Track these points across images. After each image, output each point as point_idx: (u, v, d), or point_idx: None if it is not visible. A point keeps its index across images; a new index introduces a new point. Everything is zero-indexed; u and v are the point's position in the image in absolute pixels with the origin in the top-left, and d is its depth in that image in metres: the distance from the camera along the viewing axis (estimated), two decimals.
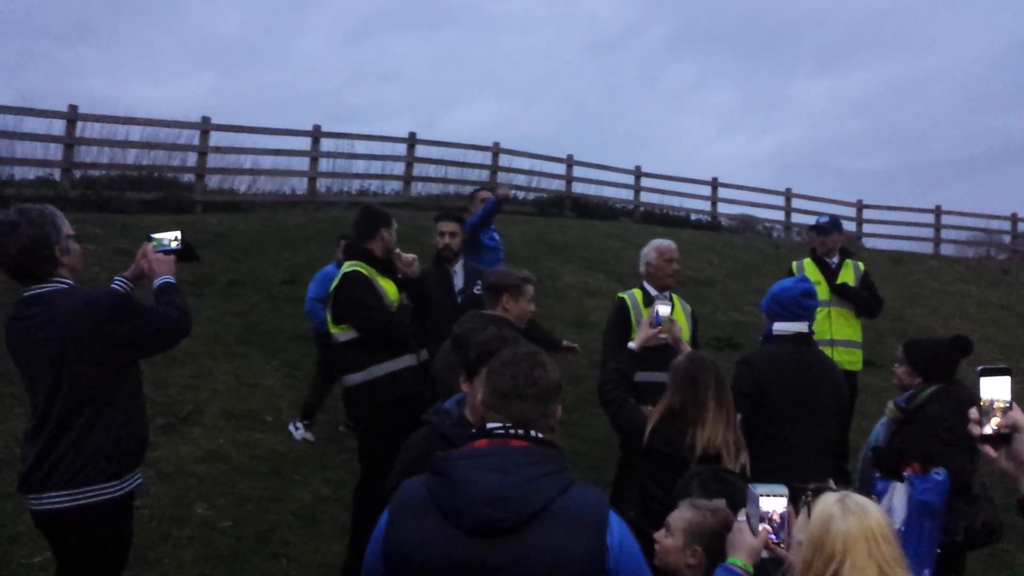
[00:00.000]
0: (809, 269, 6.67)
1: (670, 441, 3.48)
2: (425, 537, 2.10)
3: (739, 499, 3.25)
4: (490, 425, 2.25)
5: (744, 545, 2.55)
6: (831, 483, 2.17)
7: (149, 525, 5.18)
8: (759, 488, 2.65)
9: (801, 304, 4.24)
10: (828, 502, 2.06)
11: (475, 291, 5.40)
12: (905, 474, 4.20)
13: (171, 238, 3.62)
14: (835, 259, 6.73)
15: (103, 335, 3.13)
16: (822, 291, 6.36)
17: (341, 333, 4.73)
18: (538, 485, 2.11)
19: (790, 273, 6.55)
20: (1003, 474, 1.98)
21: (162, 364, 7.50)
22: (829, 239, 6.79)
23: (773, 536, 2.54)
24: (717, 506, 2.79)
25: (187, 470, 5.91)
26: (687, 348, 4.29)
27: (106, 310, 3.16)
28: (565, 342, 5.73)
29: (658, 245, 5.41)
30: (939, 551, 4.15)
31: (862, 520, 1.99)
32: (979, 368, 1.96)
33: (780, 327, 4.26)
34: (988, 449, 1.87)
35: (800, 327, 4.24)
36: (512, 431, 2.22)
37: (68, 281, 3.26)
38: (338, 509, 5.61)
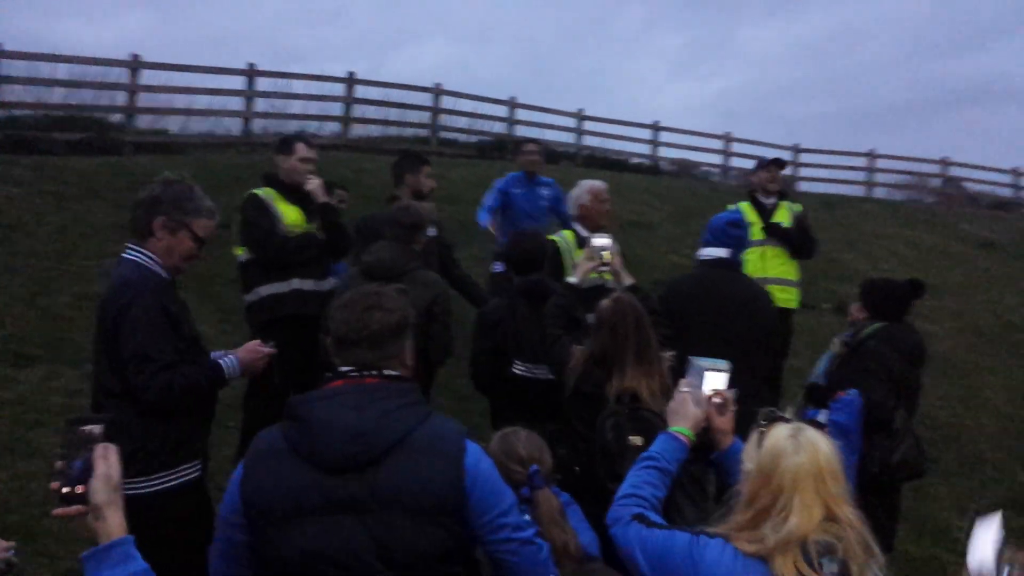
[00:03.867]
0: (746, 210, 6.74)
1: (594, 382, 3.52)
2: (283, 481, 2.10)
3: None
4: (342, 368, 2.27)
5: (687, 415, 2.68)
6: (785, 412, 2.17)
7: None
8: (702, 361, 2.79)
9: (727, 232, 4.50)
10: (780, 436, 2.06)
11: (429, 233, 5.38)
12: (829, 403, 4.39)
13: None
14: (772, 200, 6.80)
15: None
16: (756, 231, 6.54)
17: (241, 254, 4.96)
18: (394, 418, 2.15)
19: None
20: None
21: (91, 309, 7.26)
22: (779, 174, 6.92)
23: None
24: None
25: None
26: (628, 279, 4.31)
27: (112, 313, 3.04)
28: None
29: (590, 186, 5.48)
30: (859, 481, 4.30)
31: (813, 457, 1.99)
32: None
33: (704, 252, 4.53)
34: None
35: (720, 252, 4.46)
36: (363, 372, 2.25)
37: (146, 255, 3.18)
38: None
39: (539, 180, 7.13)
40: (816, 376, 4.77)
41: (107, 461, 1.80)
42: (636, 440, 3.25)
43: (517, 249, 4.69)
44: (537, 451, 2.90)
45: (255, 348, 3.43)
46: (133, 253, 3.18)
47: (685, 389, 2.73)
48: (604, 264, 4.33)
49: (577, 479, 3.32)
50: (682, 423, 2.65)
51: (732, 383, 2.83)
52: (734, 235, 4.53)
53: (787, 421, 2.13)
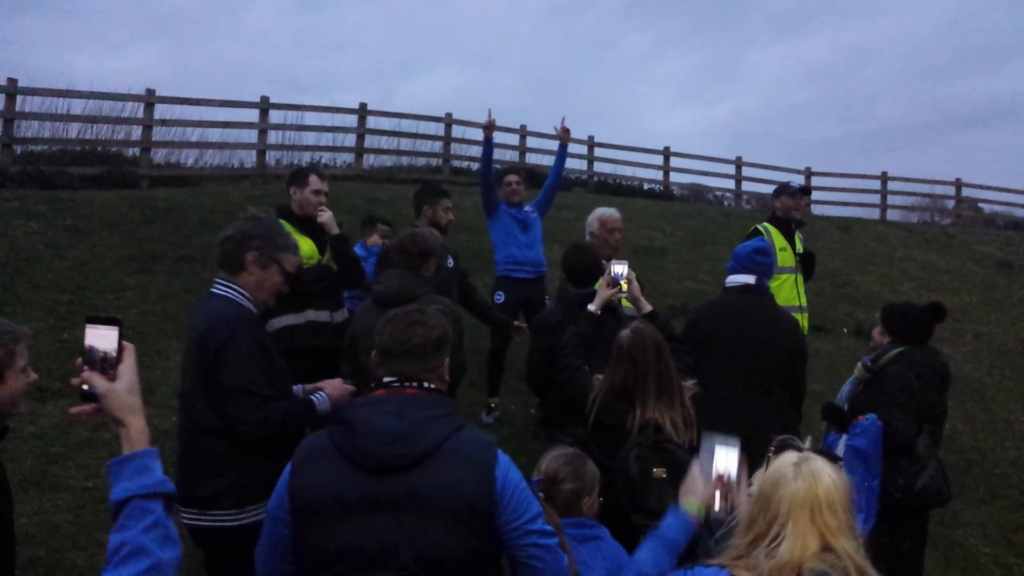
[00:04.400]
0: (775, 234, 6.34)
1: (614, 413, 3.51)
2: (328, 479, 2.26)
3: (681, 468, 3.30)
4: (386, 379, 2.44)
5: (697, 492, 2.67)
6: (798, 440, 2.15)
7: (102, 506, 5.12)
8: (715, 438, 2.73)
9: (753, 259, 4.53)
10: (785, 462, 2.05)
11: (447, 264, 5.55)
12: (849, 428, 4.38)
13: None
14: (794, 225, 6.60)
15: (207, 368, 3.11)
16: (788, 257, 6.23)
17: None
18: (432, 426, 2.30)
19: (756, 235, 6.18)
20: None
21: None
22: (804, 200, 6.73)
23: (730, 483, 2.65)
24: None
25: None
26: (646, 306, 4.31)
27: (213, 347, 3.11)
28: (516, 323, 5.77)
29: (600, 214, 5.53)
30: (883, 507, 4.26)
31: (811, 485, 1.97)
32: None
33: (731, 279, 4.58)
34: None
35: (747, 279, 4.50)
36: (404, 383, 2.41)
37: (237, 289, 3.24)
38: None
39: (522, 206, 7.07)
40: (840, 400, 4.75)
41: (127, 365, 1.78)
42: (660, 472, 3.23)
43: (575, 262, 4.77)
44: (558, 469, 2.92)
45: (341, 386, 3.48)
46: (224, 288, 3.24)
47: (697, 466, 2.73)
48: (622, 291, 4.33)
49: (600, 511, 3.30)
50: (693, 499, 2.66)
51: (752, 429, 2.93)
52: (760, 262, 4.54)
53: (799, 449, 2.12)
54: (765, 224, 6.45)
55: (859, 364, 4.69)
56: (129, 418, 1.72)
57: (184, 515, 3.16)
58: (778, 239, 6.31)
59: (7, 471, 2.63)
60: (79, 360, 1.76)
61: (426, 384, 2.43)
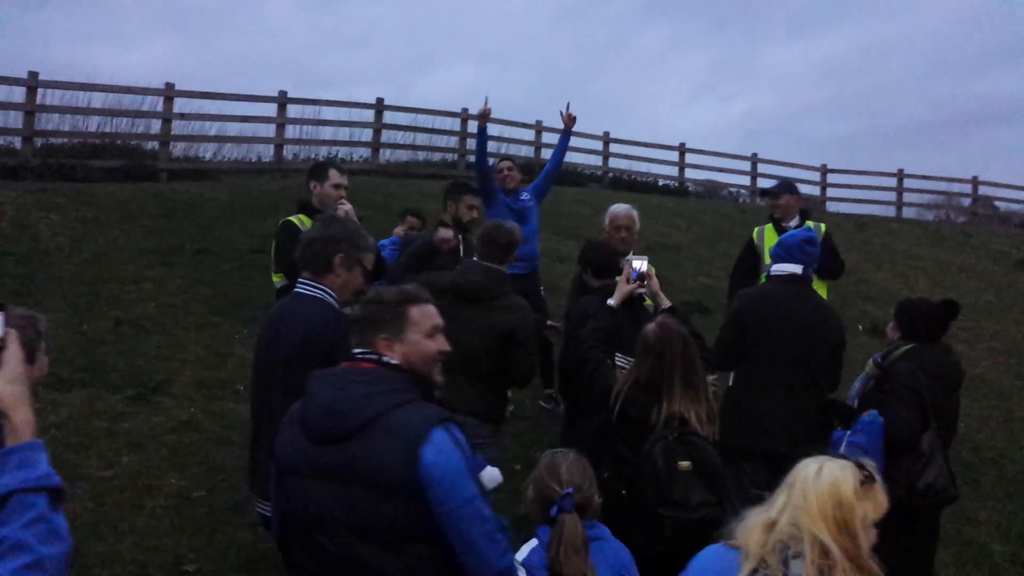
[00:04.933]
0: (769, 234, 6.60)
1: (639, 406, 3.53)
2: (289, 443, 2.44)
3: (705, 460, 3.33)
4: (355, 351, 2.53)
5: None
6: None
7: (122, 495, 5.19)
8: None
9: (803, 249, 4.55)
10: (817, 459, 2.16)
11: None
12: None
13: None
14: (792, 222, 6.72)
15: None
16: None
17: (279, 280, 5.06)
18: (368, 401, 2.35)
19: (751, 241, 6.68)
20: None
21: (131, 334, 7.46)
22: (780, 201, 6.77)
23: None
24: None
25: (159, 440, 5.89)
26: (665, 301, 4.34)
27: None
28: (549, 322, 5.80)
29: (611, 211, 5.61)
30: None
31: (815, 484, 2.09)
32: None
33: (777, 268, 4.60)
34: None
35: (794, 268, 4.53)
36: (363, 355, 2.49)
37: (324, 289, 3.37)
38: None
39: (519, 194, 6.94)
40: (850, 397, 4.74)
41: (10, 353, 1.67)
42: (686, 465, 3.26)
43: (597, 257, 4.87)
44: (579, 478, 2.91)
45: None
46: (311, 288, 3.33)
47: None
48: (641, 286, 4.37)
49: (623, 503, 3.32)
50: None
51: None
52: (809, 252, 4.57)
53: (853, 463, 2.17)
54: (764, 226, 6.70)
55: (870, 360, 4.66)
56: (11, 409, 1.63)
57: (259, 506, 3.29)
58: (772, 238, 6.46)
59: None
60: None
61: (385, 359, 2.46)
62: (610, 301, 4.33)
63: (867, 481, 2.08)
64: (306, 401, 2.43)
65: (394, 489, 2.27)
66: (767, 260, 6.30)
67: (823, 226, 6.83)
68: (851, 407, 4.55)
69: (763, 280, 6.36)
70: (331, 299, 3.36)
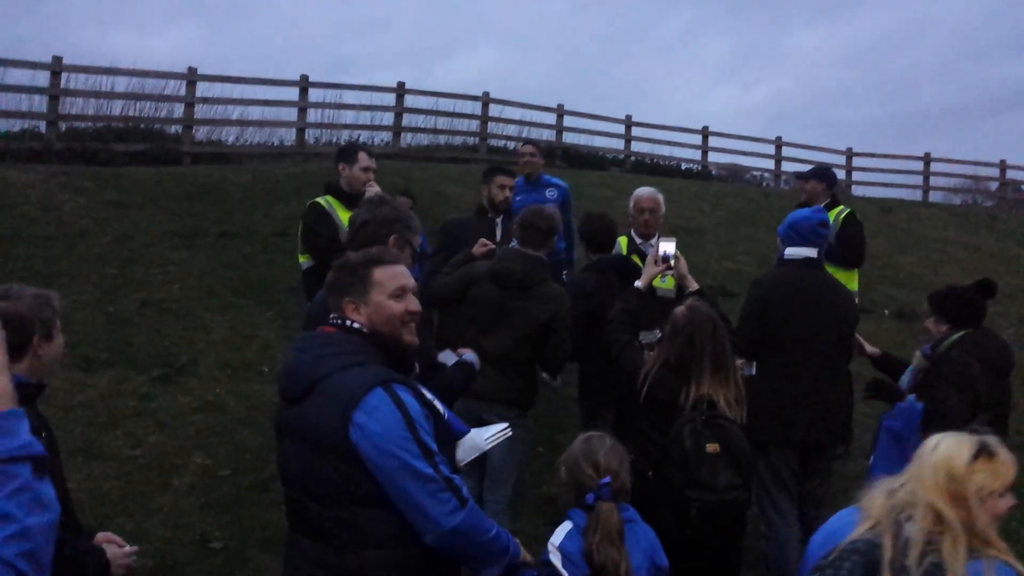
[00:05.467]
0: None
1: (667, 388, 3.51)
2: (278, 403, 2.56)
3: (733, 443, 3.32)
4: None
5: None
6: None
7: (149, 474, 5.24)
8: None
9: (817, 232, 4.48)
10: (941, 435, 2.28)
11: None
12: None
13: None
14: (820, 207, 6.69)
15: None
16: None
17: (305, 261, 5.12)
18: (319, 363, 2.41)
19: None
20: None
21: (156, 316, 7.52)
22: (808, 186, 6.85)
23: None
24: None
25: (185, 420, 5.95)
26: (693, 284, 4.32)
27: None
28: None
29: (635, 194, 5.55)
30: None
31: (936, 457, 2.22)
32: None
33: (791, 252, 4.52)
34: None
35: (809, 252, 4.47)
36: (332, 320, 2.55)
37: None
38: None
39: (544, 181, 6.87)
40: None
41: None
42: (714, 447, 3.24)
43: (593, 229, 4.94)
44: (616, 464, 2.90)
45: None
46: None
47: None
48: (669, 268, 4.33)
49: (649, 485, 3.31)
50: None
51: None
52: (823, 234, 4.53)
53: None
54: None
55: (917, 353, 4.48)
56: None
57: None
58: None
59: (56, 439, 2.69)
60: None
61: (349, 323, 2.50)
62: (637, 283, 4.30)
63: (983, 454, 2.19)
64: (280, 362, 2.59)
65: (330, 450, 2.31)
66: None
67: (847, 211, 6.77)
68: (898, 387, 4.42)
69: None
70: None
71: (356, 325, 2.50)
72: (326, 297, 2.65)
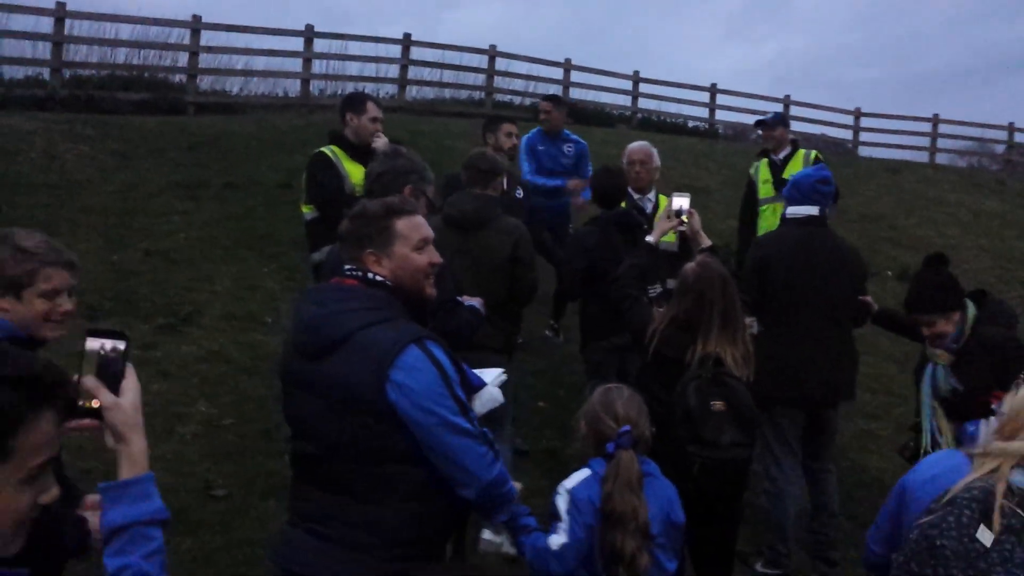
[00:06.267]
0: (762, 168, 6.87)
1: (675, 345, 3.52)
2: (287, 356, 2.51)
3: (739, 402, 3.33)
4: (345, 267, 2.52)
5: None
6: None
7: (153, 422, 5.27)
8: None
9: (818, 189, 4.48)
10: None
11: (516, 195, 5.69)
12: (993, 407, 3.48)
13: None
14: (783, 154, 6.79)
15: None
16: (767, 189, 6.73)
17: (308, 212, 5.07)
18: (342, 318, 2.35)
19: (750, 178, 6.98)
20: None
21: (161, 266, 7.54)
22: (775, 133, 6.94)
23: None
24: None
25: (189, 369, 5.99)
26: (705, 240, 4.30)
27: None
28: None
29: (627, 148, 5.66)
30: None
31: None
32: None
33: (793, 210, 4.52)
34: None
35: (811, 209, 4.47)
36: (349, 271, 2.48)
37: None
38: None
39: (564, 136, 7.05)
40: (925, 393, 4.02)
41: (132, 382, 1.67)
42: (719, 405, 3.26)
43: (604, 184, 4.98)
44: (635, 414, 2.89)
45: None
46: None
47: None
48: (682, 224, 4.32)
49: (653, 441, 3.34)
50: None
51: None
52: (825, 192, 4.51)
53: None
54: (760, 161, 6.98)
55: (937, 351, 3.93)
56: (132, 436, 1.63)
57: None
58: (763, 172, 6.82)
59: None
60: (77, 376, 1.63)
61: (370, 276, 2.44)
62: (649, 238, 4.28)
63: None
64: (295, 315, 2.49)
65: (363, 407, 2.27)
66: (761, 194, 6.73)
67: (814, 153, 6.88)
68: (965, 395, 3.85)
69: (763, 216, 6.68)
70: None
71: (379, 278, 2.44)
72: (340, 248, 2.58)
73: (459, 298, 3.62)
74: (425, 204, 3.43)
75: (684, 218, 4.31)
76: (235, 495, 4.71)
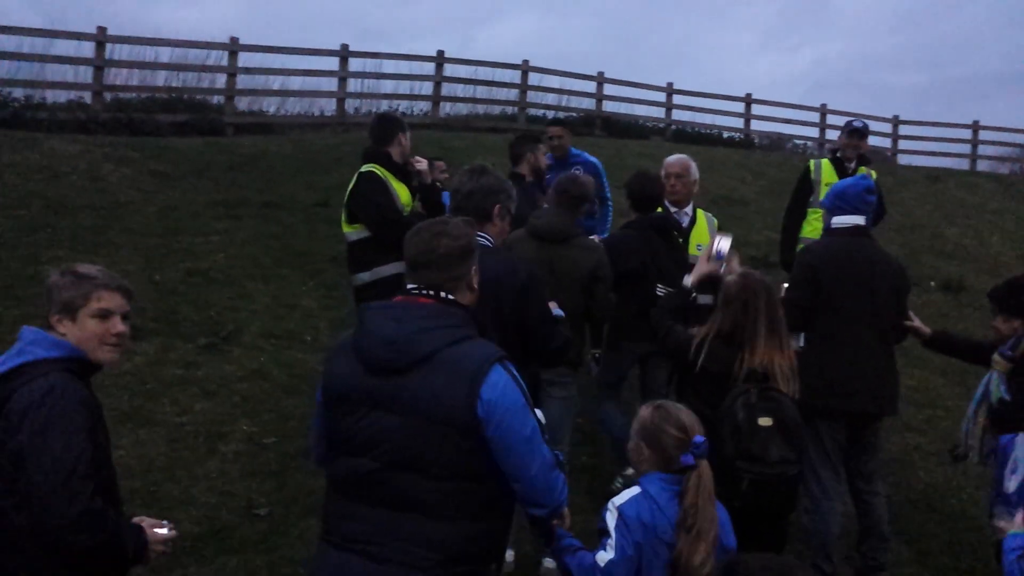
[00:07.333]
0: (827, 169, 6.69)
1: (720, 359, 3.48)
2: (344, 372, 2.45)
3: (787, 417, 3.28)
4: (408, 286, 2.53)
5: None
6: None
7: (196, 441, 5.34)
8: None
9: (864, 199, 4.43)
10: None
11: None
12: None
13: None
14: (851, 165, 6.68)
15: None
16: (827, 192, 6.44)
17: (353, 232, 5.05)
18: (427, 335, 2.37)
19: (807, 171, 6.76)
20: None
21: (201, 285, 7.62)
22: (864, 142, 6.90)
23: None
24: None
25: (230, 388, 6.04)
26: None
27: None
28: None
29: (665, 161, 5.62)
30: None
31: None
32: None
33: (839, 220, 4.46)
34: None
35: (857, 219, 4.42)
36: (422, 291, 2.49)
37: (486, 237, 3.51)
38: None
39: (572, 156, 6.71)
40: (973, 404, 4.16)
41: None
42: (766, 421, 3.22)
43: (641, 188, 5.07)
44: (698, 424, 2.83)
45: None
46: (480, 237, 3.36)
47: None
48: (721, 266, 4.07)
49: None
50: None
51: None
52: (870, 201, 4.47)
53: None
54: (821, 160, 6.80)
55: (995, 356, 4.03)
56: None
57: None
58: (828, 175, 6.58)
59: (103, 406, 2.72)
60: None
61: (444, 295, 2.48)
62: (687, 280, 4.10)
63: None
64: (361, 331, 2.44)
65: (450, 424, 2.30)
66: (821, 196, 6.25)
67: (874, 173, 6.71)
68: (1012, 406, 3.89)
69: (810, 220, 6.53)
70: (491, 244, 3.53)
71: (452, 297, 2.50)
72: (415, 268, 2.53)
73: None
74: (510, 221, 3.62)
75: (723, 262, 4.02)
76: (277, 514, 4.73)
